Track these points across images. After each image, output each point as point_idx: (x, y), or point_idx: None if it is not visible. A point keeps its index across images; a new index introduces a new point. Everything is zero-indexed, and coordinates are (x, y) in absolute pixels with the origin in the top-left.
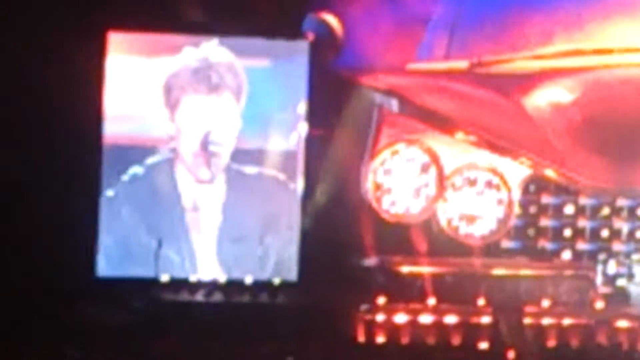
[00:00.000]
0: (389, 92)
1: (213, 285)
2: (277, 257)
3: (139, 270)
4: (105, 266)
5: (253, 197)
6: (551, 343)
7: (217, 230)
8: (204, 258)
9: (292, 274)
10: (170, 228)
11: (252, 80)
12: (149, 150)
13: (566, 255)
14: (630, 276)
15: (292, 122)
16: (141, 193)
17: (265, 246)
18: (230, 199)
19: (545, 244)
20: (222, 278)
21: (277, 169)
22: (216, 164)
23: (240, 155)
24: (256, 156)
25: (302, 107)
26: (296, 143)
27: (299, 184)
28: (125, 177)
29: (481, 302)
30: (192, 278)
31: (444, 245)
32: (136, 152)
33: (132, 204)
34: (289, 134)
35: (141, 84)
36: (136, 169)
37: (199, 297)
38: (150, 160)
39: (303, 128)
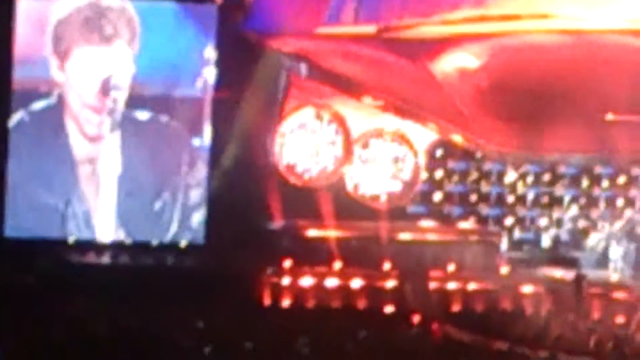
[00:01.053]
0: (298, 56)
1: (119, 247)
2: (181, 215)
3: (46, 230)
4: (12, 226)
5: (151, 147)
6: (456, 307)
7: (113, 183)
8: (101, 211)
9: (199, 237)
10: (64, 182)
11: (153, 22)
12: (35, 95)
13: (471, 220)
14: (535, 242)
15: (198, 67)
16: (29, 142)
17: (164, 201)
18: (126, 150)
19: (451, 209)
20: (119, 234)
21: (179, 117)
22: (111, 114)
23: (138, 103)
24: (155, 103)
25: (210, 52)
26: (201, 90)
27: (205, 136)
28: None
29: (387, 266)
30: (97, 238)
31: (351, 209)
32: (22, 97)
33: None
34: (194, 80)
35: (29, 27)
36: (22, 115)
37: (106, 259)
38: (36, 106)
39: (210, 74)
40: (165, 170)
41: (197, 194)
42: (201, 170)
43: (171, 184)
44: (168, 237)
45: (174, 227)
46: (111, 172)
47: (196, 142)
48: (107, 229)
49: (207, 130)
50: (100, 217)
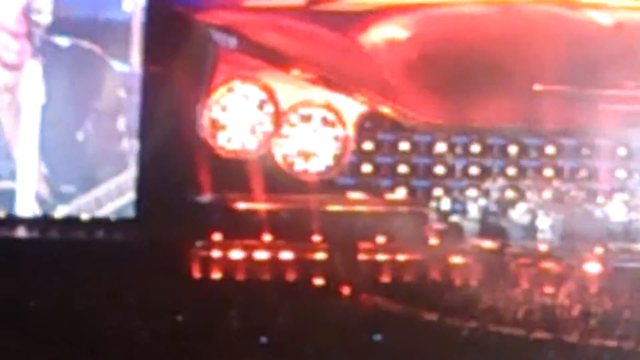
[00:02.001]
0: (225, 29)
1: (48, 221)
2: (104, 145)
3: None
4: None
5: (74, 75)
6: (385, 279)
7: (34, 113)
8: (22, 143)
9: (129, 210)
10: None
11: None
12: None
13: (401, 191)
14: (464, 212)
15: None
16: None
17: (86, 131)
18: (48, 79)
19: (380, 181)
20: (41, 167)
21: (104, 43)
22: (31, 39)
23: (61, 27)
24: (79, 28)
25: None
26: (129, 13)
27: (132, 61)
28: None
29: (316, 238)
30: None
31: (280, 181)
32: None
33: None
34: (120, 2)
35: None
36: None
37: (35, 233)
38: None
39: None
40: (88, 98)
41: (122, 123)
42: (126, 98)
43: (94, 113)
44: (90, 168)
45: (97, 158)
46: (32, 101)
47: (121, 68)
48: (27, 161)
49: (134, 56)
50: (21, 149)
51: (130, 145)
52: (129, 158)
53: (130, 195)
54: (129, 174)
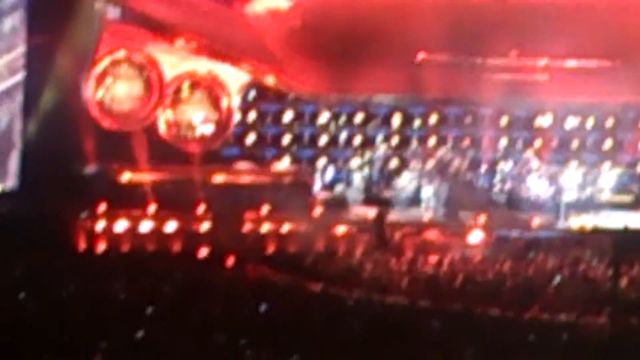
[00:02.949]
0: (110, 0)
1: None
2: None
3: None
4: None
5: None
6: (270, 249)
7: None
8: None
9: (14, 182)
10: None
11: None
12: None
13: (285, 162)
14: (348, 182)
15: None
16: None
17: None
18: None
19: (265, 151)
20: None
21: None
22: None
23: None
24: None
25: None
26: None
27: (18, 37)
28: None
29: (201, 209)
30: None
31: (164, 152)
32: None
33: None
34: None
35: None
36: None
37: None
38: None
39: None
40: None
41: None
42: (8, 71)
43: None
44: None
45: None
46: None
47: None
48: None
49: (18, 29)
50: None
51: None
52: (17, 171)
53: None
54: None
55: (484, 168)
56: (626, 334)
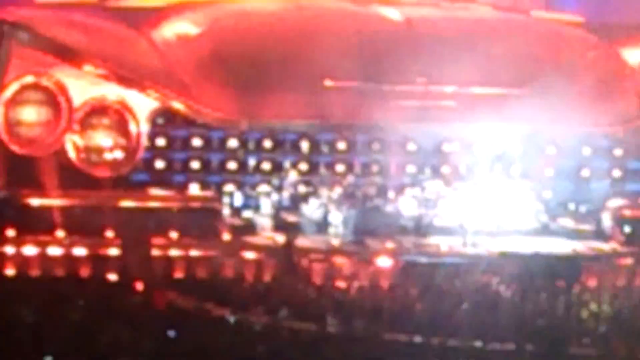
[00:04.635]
0: (18, 25)
1: None
2: None
3: None
4: None
5: None
6: (179, 274)
7: None
8: None
9: None
10: None
11: None
12: None
13: (194, 187)
14: (257, 208)
15: None
16: None
17: None
18: None
19: (174, 177)
20: None
21: None
22: None
23: None
24: None
25: None
26: None
27: None
28: None
29: (110, 234)
30: None
31: (73, 178)
32: None
33: None
34: None
35: None
36: None
37: None
38: None
39: None
40: None
41: None
42: None
43: None
44: None
45: None
46: None
47: None
48: None
49: None
50: None
51: None
52: None
53: None
54: None
55: (392, 194)
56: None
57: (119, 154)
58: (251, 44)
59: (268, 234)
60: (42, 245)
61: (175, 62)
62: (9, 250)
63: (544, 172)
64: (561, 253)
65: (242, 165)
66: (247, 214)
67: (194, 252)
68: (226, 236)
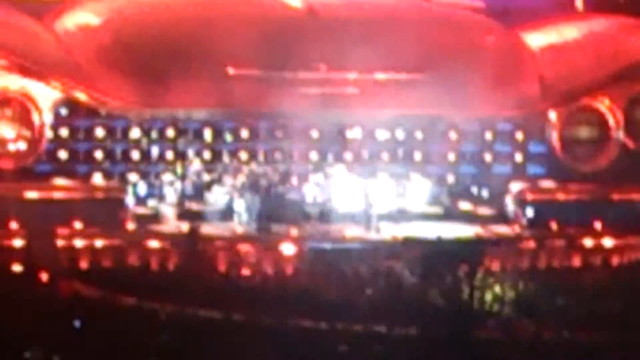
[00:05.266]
0: None
1: None
2: None
3: None
4: None
5: None
6: (84, 264)
7: None
8: None
9: None
10: None
11: None
12: None
13: (98, 177)
14: (161, 197)
15: None
16: None
17: None
18: None
19: (77, 167)
20: None
21: None
22: None
23: None
24: None
25: None
26: None
27: None
28: None
29: (14, 225)
30: None
31: None
32: None
33: None
34: None
35: None
36: None
37: None
38: None
39: None
40: None
41: None
42: None
43: None
44: None
45: None
46: None
47: None
48: None
49: None
50: None
51: None
52: None
53: None
54: None
55: (295, 181)
56: (436, 344)
57: (22, 145)
58: (153, 33)
59: (172, 223)
60: None
61: (78, 53)
62: None
63: (447, 157)
64: (464, 237)
65: (146, 154)
66: (151, 203)
67: (98, 242)
68: (131, 225)
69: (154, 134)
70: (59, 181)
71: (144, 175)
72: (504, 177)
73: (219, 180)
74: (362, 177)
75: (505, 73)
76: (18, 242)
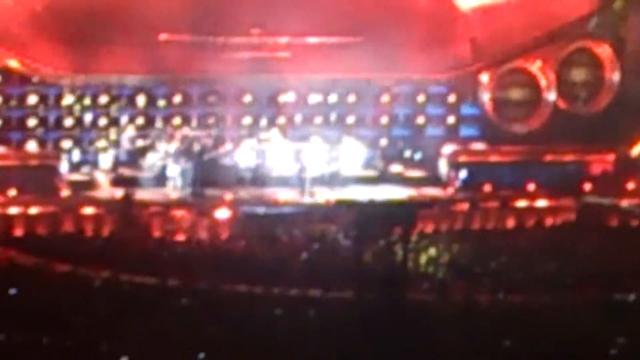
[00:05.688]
0: None
1: None
2: None
3: None
4: None
5: None
6: (18, 232)
7: None
8: None
9: None
10: None
11: None
12: None
13: (31, 144)
14: (95, 164)
15: None
16: None
17: None
18: None
19: (11, 134)
20: None
21: None
22: None
23: None
24: None
25: None
26: None
27: None
28: None
29: None
30: None
31: None
32: None
33: None
34: None
35: None
36: None
37: None
38: None
39: None
40: None
41: None
42: None
43: None
44: None
45: None
46: None
47: None
48: None
49: None
50: None
51: None
52: None
53: None
54: None
55: (229, 146)
56: (371, 307)
57: None
58: (85, 0)
59: (107, 189)
60: None
61: (9, 20)
62: None
63: (380, 120)
64: (397, 200)
65: (79, 121)
66: (85, 169)
67: (33, 210)
68: (65, 192)
69: (87, 101)
70: None
71: (77, 142)
72: (436, 139)
73: (152, 146)
74: (296, 141)
75: (437, 36)
76: None
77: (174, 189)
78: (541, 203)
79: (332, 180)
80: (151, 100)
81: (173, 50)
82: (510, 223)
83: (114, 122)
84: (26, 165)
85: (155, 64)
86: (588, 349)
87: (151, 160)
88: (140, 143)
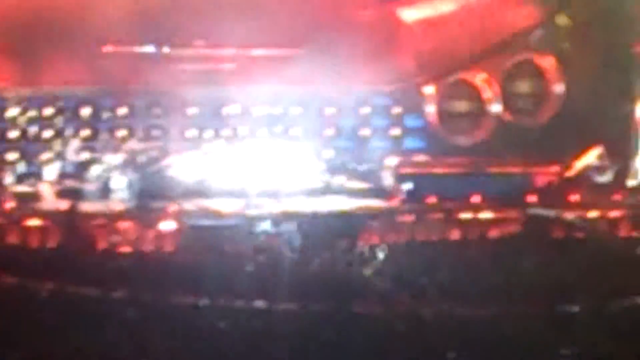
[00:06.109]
0: None
1: None
2: None
3: None
4: None
5: None
6: None
7: None
8: None
9: None
10: None
11: None
12: None
13: None
14: (39, 176)
15: None
16: None
17: None
18: None
19: None
20: None
21: None
22: None
23: None
24: None
25: None
26: None
27: None
28: None
29: None
30: None
31: None
32: None
33: None
34: None
35: None
36: None
37: None
38: None
39: None
40: None
41: None
42: None
43: None
44: None
45: None
46: None
47: None
48: None
49: None
50: None
51: None
52: None
53: None
54: None
55: (174, 158)
56: (316, 320)
57: None
58: (28, 10)
59: (52, 201)
60: None
61: None
62: None
63: (324, 132)
64: (341, 212)
65: (23, 133)
66: (29, 182)
67: None
68: (9, 204)
69: (32, 113)
70: None
71: (22, 154)
72: (381, 151)
73: (97, 158)
74: (240, 153)
75: (381, 47)
76: None
77: (119, 201)
78: (486, 215)
79: (276, 192)
80: (96, 112)
81: (118, 61)
82: (455, 234)
83: (59, 133)
84: None
85: (100, 76)
86: None
87: (96, 172)
88: (85, 155)
